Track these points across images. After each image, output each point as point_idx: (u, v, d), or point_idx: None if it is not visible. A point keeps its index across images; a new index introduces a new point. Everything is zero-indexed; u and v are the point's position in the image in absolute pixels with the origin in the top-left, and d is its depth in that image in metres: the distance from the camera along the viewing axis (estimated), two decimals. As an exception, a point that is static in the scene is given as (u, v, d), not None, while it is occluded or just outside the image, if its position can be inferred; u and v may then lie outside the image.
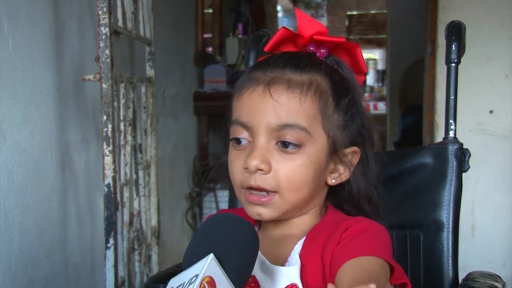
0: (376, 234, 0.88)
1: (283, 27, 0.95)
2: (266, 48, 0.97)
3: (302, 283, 0.87)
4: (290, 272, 0.88)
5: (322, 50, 0.94)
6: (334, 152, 0.90)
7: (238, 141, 0.90)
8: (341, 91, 0.91)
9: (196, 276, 0.72)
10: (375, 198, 0.96)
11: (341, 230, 0.88)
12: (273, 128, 0.86)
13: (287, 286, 0.88)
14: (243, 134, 0.89)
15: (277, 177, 0.87)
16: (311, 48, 0.94)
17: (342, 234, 0.87)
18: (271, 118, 0.86)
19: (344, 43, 0.94)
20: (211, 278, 0.72)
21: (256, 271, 0.89)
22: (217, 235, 0.79)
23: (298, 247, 0.90)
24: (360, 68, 0.97)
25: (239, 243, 0.78)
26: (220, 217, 0.85)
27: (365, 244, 0.85)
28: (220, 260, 0.74)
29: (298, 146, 0.87)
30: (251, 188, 0.88)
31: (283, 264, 0.90)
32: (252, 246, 0.80)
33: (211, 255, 0.74)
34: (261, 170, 0.86)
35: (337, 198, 0.96)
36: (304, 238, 0.91)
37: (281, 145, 0.87)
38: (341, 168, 0.93)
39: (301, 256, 0.89)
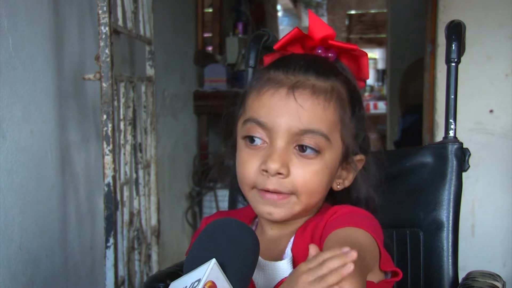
0: (363, 215, 0.90)
1: (297, 27, 0.94)
2: (276, 46, 0.96)
3: None
4: (282, 267, 0.90)
5: (330, 55, 0.94)
6: (345, 159, 0.92)
7: (252, 139, 0.89)
8: (356, 99, 0.92)
9: (199, 280, 0.73)
10: (373, 203, 0.97)
11: (327, 216, 0.89)
12: (294, 132, 0.86)
13: (282, 279, 0.89)
14: (259, 134, 0.88)
15: (294, 181, 0.87)
16: (319, 51, 0.94)
17: (329, 218, 0.88)
18: (294, 122, 0.86)
19: (355, 50, 0.94)
20: (213, 283, 0.73)
21: None
22: (220, 240, 0.79)
23: (290, 242, 0.92)
24: (362, 75, 0.98)
25: (241, 248, 0.79)
26: (223, 221, 0.85)
27: (352, 219, 0.87)
28: (222, 265, 0.75)
29: (317, 151, 0.87)
30: (267, 191, 0.88)
31: (277, 261, 0.91)
32: (254, 252, 0.81)
33: (214, 260, 0.74)
34: (280, 174, 0.86)
35: (334, 200, 0.97)
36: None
37: (299, 148, 0.87)
38: (344, 174, 0.94)
39: (292, 250, 0.90)
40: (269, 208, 0.89)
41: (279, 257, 0.91)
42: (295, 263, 0.88)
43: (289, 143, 0.86)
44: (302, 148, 0.87)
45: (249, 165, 0.89)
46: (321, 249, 0.83)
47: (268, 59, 0.98)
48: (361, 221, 0.87)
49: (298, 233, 0.91)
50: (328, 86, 0.88)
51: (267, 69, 0.92)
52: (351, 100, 0.91)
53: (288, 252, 0.91)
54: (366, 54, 0.96)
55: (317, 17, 0.94)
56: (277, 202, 0.88)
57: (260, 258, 0.90)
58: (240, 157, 0.91)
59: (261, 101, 0.88)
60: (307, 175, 0.87)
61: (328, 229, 0.86)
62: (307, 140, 0.86)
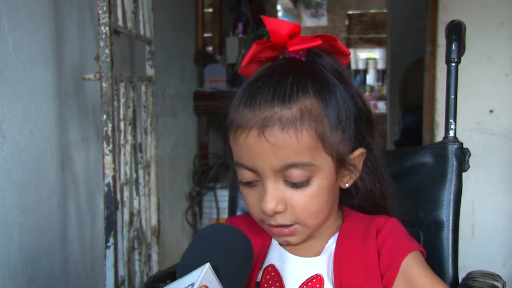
0: (402, 230, 0.94)
1: (256, 42, 0.91)
2: (240, 70, 0.93)
3: (334, 276, 0.89)
4: (315, 263, 0.91)
5: (300, 52, 0.90)
6: (341, 164, 0.89)
7: (248, 183, 0.89)
8: (331, 101, 0.86)
9: (192, 285, 0.73)
10: (387, 190, 0.97)
11: (374, 228, 0.92)
12: (277, 169, 0.85)
13: (312, 276, 0.90)
14: (251, 177, 0.87)
15: (294, 212, 0.87)
16: (288, 50, 0.90)
17: (379, 233, 0.91)
18: (274, 161, 0.84)
19: (320, 45, 0.89)
20: (207, 287, 0.73)
21: (275, 261, 0.93)
22: (213, 244, 0.80)
23: (331, 243, 0.93)
24: (342, 53, 0.93)
25: (234, 253, 0.80)
26: (216, 227, 0.87)
27: (404, 243, 0.91)
28: (215, 269, 0.75)
29: (306, 180, 0.86)
30: (272, 226, 0.89)
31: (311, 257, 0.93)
32: (247, 257, 0.82)
33: (208, 264, 0.75)
34: (278, 212, 0.87)
35: (349, 197, 0.96)
36: (336, 234, 0.93)
37: (290, 183, 0.86)
38: (348, 172, 0.92)
39: (336, 251, 0.91)
40: (285, 238, 0.90)
41: (313, 254, 0.92)
42: (337, 264, 0.90)
43: (277, 178, 0.85)
44: (292, 183, 0.86)
45: (251, 204, 0.90)
46: (387, 272, 0.89)
47: (241, 71, 0.94)
48: (410, 239, 0.92)
49: (341, 237, 0.93)
50: (296, 112, 0.83)
51: (238, 100, 0.88)
52: (327, 107, 0.85)
53: (328, 251, 0.92)
54: (335, 38, 0.90)
55: (273, 19, 0.89)
56: (288, 234, 0.89)
57: (288, 253, 0.93)
58: (242, 192, 0.91)
59: (239, 145, 0.86)
60: (304, 203, 0.87)
61: (391, 251, 0.89)
62: (294, 176, 0.85)
